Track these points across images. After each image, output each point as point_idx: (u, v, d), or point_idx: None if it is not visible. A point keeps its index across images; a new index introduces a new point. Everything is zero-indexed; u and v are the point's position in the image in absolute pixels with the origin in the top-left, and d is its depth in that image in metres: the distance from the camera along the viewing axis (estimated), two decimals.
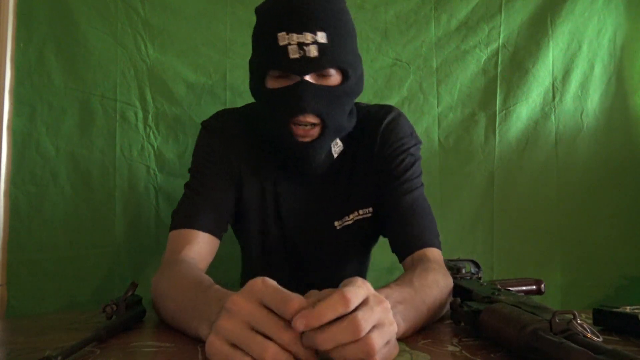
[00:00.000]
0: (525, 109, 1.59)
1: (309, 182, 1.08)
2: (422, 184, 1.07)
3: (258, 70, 0.98)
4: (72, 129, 1.41)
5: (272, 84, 0.96)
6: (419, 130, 1.56)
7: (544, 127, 1.59)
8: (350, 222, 1.09)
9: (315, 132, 0.96)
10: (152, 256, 1.42)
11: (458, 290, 0.92)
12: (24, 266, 1.34)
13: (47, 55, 1.39)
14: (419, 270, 0.86)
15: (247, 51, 1.48)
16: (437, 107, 1.58)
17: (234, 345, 0.53)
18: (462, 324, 0.76)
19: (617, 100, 1.60)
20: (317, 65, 0.91)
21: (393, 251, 1.03)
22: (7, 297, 1.32)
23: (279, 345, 0.52)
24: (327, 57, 0.92)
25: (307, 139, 0.97)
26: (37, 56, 1.38)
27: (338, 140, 1.04)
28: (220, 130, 1.08)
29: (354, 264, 1.16)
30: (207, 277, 0.78)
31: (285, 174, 1.08)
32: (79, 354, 0.62)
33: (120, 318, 0.78)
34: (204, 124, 1.11)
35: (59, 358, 0.55)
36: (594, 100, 1.60)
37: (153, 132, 1.45)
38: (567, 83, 1.59)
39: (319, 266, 1.13)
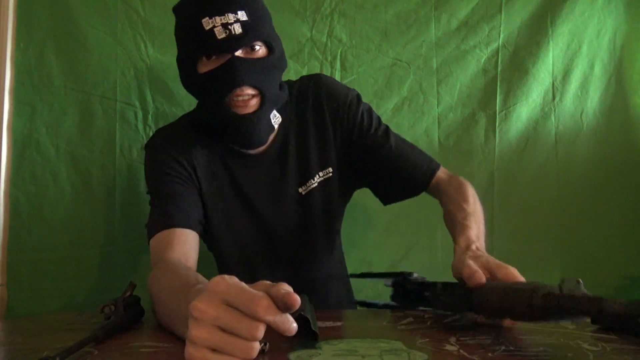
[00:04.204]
0: (525, 109, 1.58)
1: (261, 159, 1.13)
2: (387, 126, 1.17)
3: (188, 60, 1.02)
4: (72, 129, 1.41)
5: (204, 68, 1.00)
6: (419, 130, 1.57)
7: (544, 127, 1.59)
8: (315, 185, 1.14)
9: (254, 103, 1.01)
10: None
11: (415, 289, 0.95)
12: (24, 266, 1.33)
13: (47, 55, 1.39)
14: (454, 194, 1.06)
15: None
16: (437, 107, 1.58)
17: (213, 350, 0.53)
18: (444, 311, 0.78)
19: (617, 100, 1.59)
20: (244, 41, 0.97)
21: (400, 197, 1.18)
22: (7, 297, 1.32)
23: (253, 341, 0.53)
24: (251, 32, 0.97)
25: (248, 111, 1.01)
26: (37, 56, 1.38)
27: (276, 112, 1.08)
28: (161, 142, 1.13)
29: (324, 238, 1.20)
30: (193, 276, 0.78)
31: (237, 159, 1.12)
32: (77, 355, 0.62)
33: (118, 318, 0.78)
34: (146, 145, 1.16)
35: (57, 359, 0.55)
36: (594, 100, 1.59)
37: (153, 132, 1.45)
38: (567, 83, 1.59)
39: (291, 241, 1.16)
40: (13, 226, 1.34)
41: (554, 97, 1.59)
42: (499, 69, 1.59)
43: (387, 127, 1.16)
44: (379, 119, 1.17)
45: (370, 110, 1.17)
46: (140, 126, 1.45)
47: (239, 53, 0.98)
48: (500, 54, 1.59)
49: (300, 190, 1.14)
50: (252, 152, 1.12)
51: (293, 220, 1.15)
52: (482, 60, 1.59)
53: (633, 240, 1.56)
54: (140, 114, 1.45)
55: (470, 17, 1.59)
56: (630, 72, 1.60)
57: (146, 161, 1.14)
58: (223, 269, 1.19)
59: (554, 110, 1.59)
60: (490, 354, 0.62)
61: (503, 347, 0.65)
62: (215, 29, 0.95)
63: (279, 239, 1.16)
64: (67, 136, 1.40)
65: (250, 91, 0.99)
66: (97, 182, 1.42)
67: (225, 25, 0.95)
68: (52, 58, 1.39)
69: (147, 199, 1.43)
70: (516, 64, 1.59)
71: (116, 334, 0.75)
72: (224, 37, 0.95)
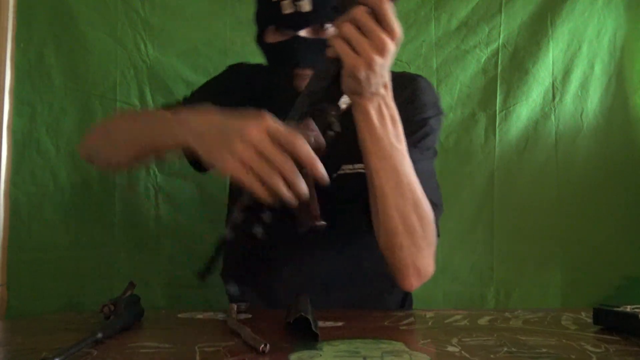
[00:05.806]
0: (525, 109, 1.58)
1: None
2: (433, 155, 1.05)
3: (257, 26, 1.02)
4: (72, 129, 1.41)
5: (270, 38, 0.99)
6: None
7: (544, 127, 1.58)
8: (350, 171, 1.03)
9: None
10: (152, 256, 1.42)
11: None
12: (24, 266, 1.34)
13: (47, 55, 1.39)
14: None
15: (247, 51, 1.49)
16: None
17: (246, 167, 0.62)
18: None
19: (617, 100, 1.59)
20: (311, 20, 0.94)
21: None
22: (7, 297, 1.32)
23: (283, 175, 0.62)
24: (320, 11, 0.93)
25: None
26: (37, 56, 1.38)
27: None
28: (238, 70, 1.15)
29: (340, 230, 1.04)
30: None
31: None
32: (76, 355, 0.62)
33: (118, 318, 0.78)
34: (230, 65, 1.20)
35: (56, 359, 0.55)
36: (594, 100, 1.59)
37: None
38: (567, 83, 1.58)
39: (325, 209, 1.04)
40: (13, 226, 1.34)
41: (554, 97, 1.58)
42: (499, 69, 1.58)
43: (425, 160, 1.01)
44: (430, 148, 1.04)
45: (429, 135, 1.02)
46: None
47: (304, 32, 0.94)
48: (500, 54, 1.58)
49: (344, 167, 1.03)
50: None
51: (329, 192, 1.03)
52: (482, 60, 1.59)
53: (633, 240, 1.56)
54: None
55: (470, 17, 1.59)
56: (630, 72, 1.59)
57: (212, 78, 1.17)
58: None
59: (554, 110, 1.58)
60: (492, 355, 0.62)
61: (505, 349, 0.65)
62: (282, 2, 0.92)
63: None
64: (67, 136, 1.40)
65: (309, 72, 0.91)
66: (97, 182, 1.42)
67: (293, 1, 0.92)
68: (52, 58, 1.39)
69: (146, 199, 1.44)
70: (516, 64, 1.58)
71: (116, 334, 0.75)
72: (290, 13, 0.93)
